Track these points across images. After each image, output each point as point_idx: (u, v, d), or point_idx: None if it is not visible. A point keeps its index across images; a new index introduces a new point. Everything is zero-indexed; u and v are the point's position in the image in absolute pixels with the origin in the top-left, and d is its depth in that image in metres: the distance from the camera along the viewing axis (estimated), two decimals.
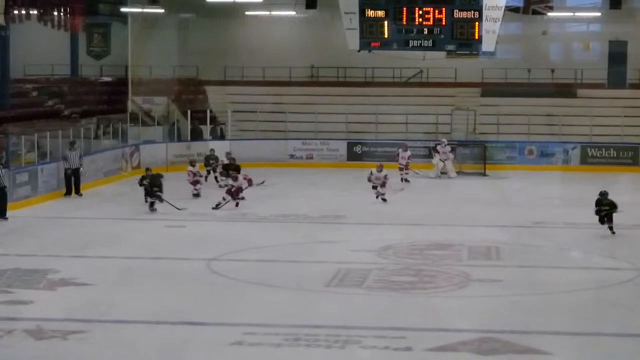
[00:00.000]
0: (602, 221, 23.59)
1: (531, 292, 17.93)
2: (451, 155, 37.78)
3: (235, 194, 27.45)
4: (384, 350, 14.19)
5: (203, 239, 22.41)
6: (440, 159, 37.37)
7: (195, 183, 30.75)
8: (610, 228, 23.47)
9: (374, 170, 28.69)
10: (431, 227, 24.93)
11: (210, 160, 35.06)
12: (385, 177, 28.40)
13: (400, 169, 34.37)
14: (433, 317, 16.14)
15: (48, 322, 15.65)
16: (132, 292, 17.77)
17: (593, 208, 23.62)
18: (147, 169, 29.60)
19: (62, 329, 15.24)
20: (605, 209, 23.45)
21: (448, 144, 37.82)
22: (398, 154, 35.37)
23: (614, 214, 23.52)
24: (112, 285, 18.40)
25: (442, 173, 37.43)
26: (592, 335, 15.27)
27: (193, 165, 31.48)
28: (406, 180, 34.36)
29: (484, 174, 38.48)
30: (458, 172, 38.08)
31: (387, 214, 24.20)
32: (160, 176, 28.45)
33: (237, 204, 27.59)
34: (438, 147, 37.63)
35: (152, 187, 27.18)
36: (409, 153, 35.34)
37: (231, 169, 30.35)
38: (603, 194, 23.70)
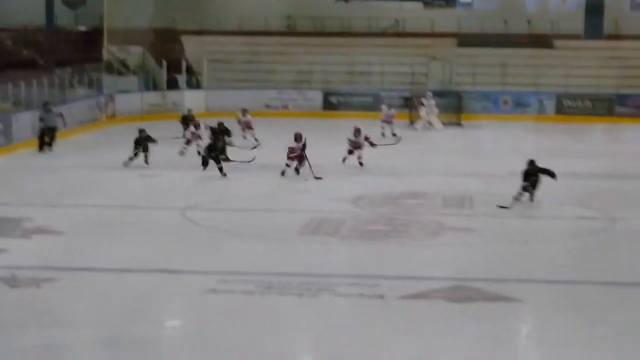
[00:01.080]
0: (526, 189, 21.10)
1: (504, 241, 18.01)
2: (435, 110, 37.71)
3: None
4: (357, 298, 14.23)
5: (178, 188, 22.34)
6: (426, 112, 37.31)
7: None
8: (531, 194, 21.15)
9: (351, 136, 28.65)
10: (405, 176, 24.97)
11: (188, 122, 32.30)
12: (366, 138, 28.23)
13: (384, 122, 33.82)
14: (406, 265, 16.21)
15: (22, 270, 15.65)
16: (106, 241, 17.70)
17: (521, 181, 21.04)
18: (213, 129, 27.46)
19: (36, 276, 15.23)
20: (534, 179, 21.10)
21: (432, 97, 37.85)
22: (382, 110, 34.99)
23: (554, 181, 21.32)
24: (86, 233, 18.34)
25: (428, 124, 37.47)
26: (563, 283, 15.35)
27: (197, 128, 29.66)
28: (393, 134, 33.88)
29: (460, 124, 38.54)
30: (427, 124, 38.11)
31: (355, 165, 24.25)
32: (218, 140, 26.01)
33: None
34: (423, 100, 37.58)
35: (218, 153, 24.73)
36: (393, 111, 34.98)
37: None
38: (532, 163, 21.26)
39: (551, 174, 21.19)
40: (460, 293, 14.43)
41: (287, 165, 24.11)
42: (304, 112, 41.63)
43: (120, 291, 14.90)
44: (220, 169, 23.94)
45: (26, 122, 31.28)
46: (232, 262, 16.24)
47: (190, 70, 43.29)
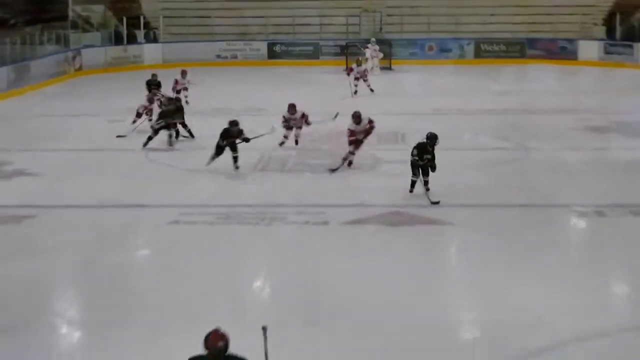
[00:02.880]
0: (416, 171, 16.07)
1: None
2: (380, 54, 37.49)
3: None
4: (304, 225, 14.35)
5: (142, 132, 22.05)
6: (371, 56, 36.95)
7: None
8: (426, 183, 15.91)
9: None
10: (344, 116, 24.85)
11: (151, 87, 26.96)
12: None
13: (357, 78, 30.29)
14: (348, 194, 16.28)
15: (4, 208, 15.57)
16: (80, 181, 17.59)
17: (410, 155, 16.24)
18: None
19: (17, 214, 15.20)
20: (427, 157, 15.83)
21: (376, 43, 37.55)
22: (352, 69, 31.12)
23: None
24: (62, 174, 18.20)
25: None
26: (485, 207, 15.51)
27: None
28: (371, 90, 30.64)
29: (390, 69, 38.55)
30: (371, 68, 37.98)
31: (304, 107, 24.10)
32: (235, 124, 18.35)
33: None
34: (369, 46, 37.27)
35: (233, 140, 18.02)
36: (363, 67, 33.78)
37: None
38: (430, 137, 16.18)
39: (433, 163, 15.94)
40: (397, 218, 14.59)
41: (351, 153, 17.80)
42: (251, 61, 41.43)
43: (93, 225, 14.88)
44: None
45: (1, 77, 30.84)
46: (192, 196, 16.21)
47: (147, 26, 42.76)
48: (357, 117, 17.40)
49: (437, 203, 15.13)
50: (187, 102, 25.82)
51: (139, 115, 21.99)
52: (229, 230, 14.31)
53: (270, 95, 28.56)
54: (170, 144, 20.62)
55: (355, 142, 17.47)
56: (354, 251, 13.13)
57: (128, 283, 12.35)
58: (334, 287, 11.56)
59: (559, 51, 40.83)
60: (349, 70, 30.21)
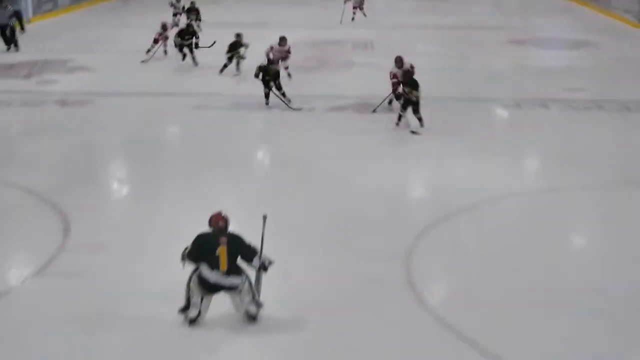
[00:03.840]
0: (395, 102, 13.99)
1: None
2: None
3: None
4: (298, 111, 14.33)
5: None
6: None
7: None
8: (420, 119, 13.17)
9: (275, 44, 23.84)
10: (326, 30, 24.47)
11: (189, 13, 22.75)
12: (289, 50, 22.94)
13: (354, 7, 26.23)
14: (329, 88, 16.23)
15: (69, 95, 15.52)
16: (126, 75, 17.47)
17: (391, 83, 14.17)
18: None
19: (80, 99, 15.18)
20: (416, 96, 12.92)
21: None
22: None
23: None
24: (112, 70, 18.02)
25: None
26: (435, 99, 15.41)
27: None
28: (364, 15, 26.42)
29: None
30: None
31: (297, 22, 23.62)
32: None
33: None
34: None
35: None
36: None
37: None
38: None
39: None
40: (364, 106, 14.58)
41: (393, 92, 14.04)
42: None
43: (137, 107, 14.92)
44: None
45: None
46: (211, 89, 16.12)
47: None
48: (399, 61, 13.95)
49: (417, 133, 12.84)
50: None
51: (155, 41, 19.07)
52: (239, 115, 14.32)
53: (271, 11, 28.04)
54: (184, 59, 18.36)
55: (398, 84, 13.68)
56: (335, 132, 13.17)
57: (163, 149, 12.50)
58: (317, 154, 11.71)
59: None
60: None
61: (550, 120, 14.04)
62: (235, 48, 17.10)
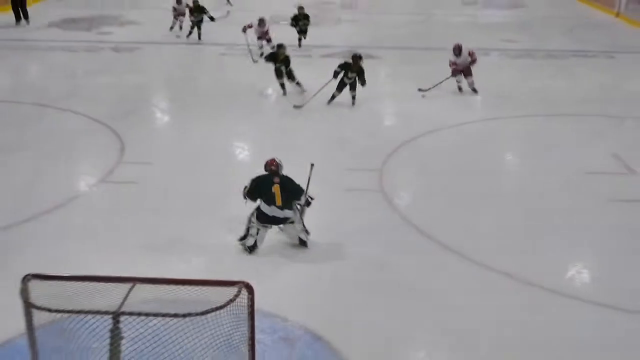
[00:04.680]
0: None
1: (371, 26, 17.71)
2: None
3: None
4: (301, 57, 14.00)
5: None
6: None
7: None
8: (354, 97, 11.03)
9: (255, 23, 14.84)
10: None
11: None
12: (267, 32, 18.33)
13: None
14: (322, 39, 15.87)
15: (121, 43, 15.26)
16: (166, 28, 16.90)
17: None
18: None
19: (129, 47, 14.94)
20: (353, 76, 10.83)
21: None
22: None
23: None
24: (155, 24, 17.26)
25: None
26: (403, 49, 15.28)
27: None
28: None
29: None
30: None
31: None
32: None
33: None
34: None
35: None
36: None
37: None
38: (354, 57, 10.91)
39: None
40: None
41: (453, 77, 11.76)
42: None
43: (174, 55, 14.74)
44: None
45: None
46: (233, 39, 15.79)
47: None
48: (457, 49, 11.56)
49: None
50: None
51: (175, 18, 15.99)
52: (248, 62, 14.07)
53: None
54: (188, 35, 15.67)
55: (457, 71, 11.63)
56: (325, 71, 12.90)
57: (196, 86, 12.34)
58: (314, 91, 11.53)
59: None
60: None
61: (490, 65, 13.81)
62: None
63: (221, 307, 3.95)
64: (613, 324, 5.53)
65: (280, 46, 11.46)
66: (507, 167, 9.06)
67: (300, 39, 14.95)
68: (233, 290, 4.06)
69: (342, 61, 11.12)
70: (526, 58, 14.58)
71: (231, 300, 3.99)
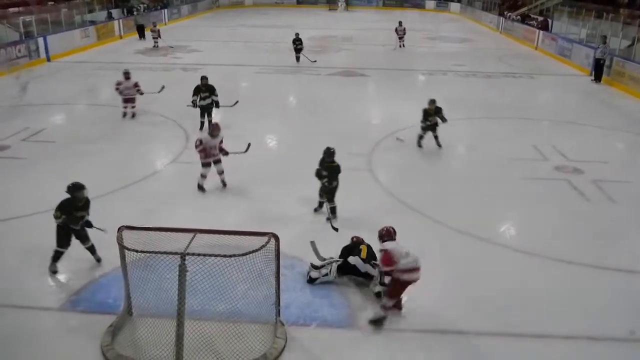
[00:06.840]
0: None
1: (364, 53, 17.27)
2: (344, 4, 31.38)
3: None
4: (312, 75, 13.76)
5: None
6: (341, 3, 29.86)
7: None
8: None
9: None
10: (325, 30, 23.39)
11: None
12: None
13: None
14: (328, 62, 15.44)
15: (188, 65, 15.02)
16: (219, 54, 16.76)
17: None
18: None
19: (193, 67, 14.64)
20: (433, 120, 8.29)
21: None
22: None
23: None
24: (211, 51, 17.25)
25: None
26: (386, 70, 14.94)
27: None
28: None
29: (348, 10, 33.31)
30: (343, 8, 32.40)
31: (310, 24, 22.39)
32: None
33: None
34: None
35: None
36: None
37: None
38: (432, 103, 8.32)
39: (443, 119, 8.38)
40: (349, 73, 14.12)
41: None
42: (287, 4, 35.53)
43: (223, 73, 14.27)
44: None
45: (184, 10, 28.18)
46: (264, 62, 15.54)
47: None
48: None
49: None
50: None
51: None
52: (280, 78, 13.83)
53: (298, 18, 26.71)
54: None
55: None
56: (331, 86, 12.76)
57: (235, 94, 12.04)
58: (322, 98, 11.36)
59: None
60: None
61: (446, 82, 13.60)
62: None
63: (256, 251, 4.03)
64: (527, 262, 5.43)
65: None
66: (459, 153, 8.88)
67: (298, 57, 15.13)
68: (265, 239, 4.10)
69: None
70: (471, 77, 14.29)
71: (263, 246, 4.06)
